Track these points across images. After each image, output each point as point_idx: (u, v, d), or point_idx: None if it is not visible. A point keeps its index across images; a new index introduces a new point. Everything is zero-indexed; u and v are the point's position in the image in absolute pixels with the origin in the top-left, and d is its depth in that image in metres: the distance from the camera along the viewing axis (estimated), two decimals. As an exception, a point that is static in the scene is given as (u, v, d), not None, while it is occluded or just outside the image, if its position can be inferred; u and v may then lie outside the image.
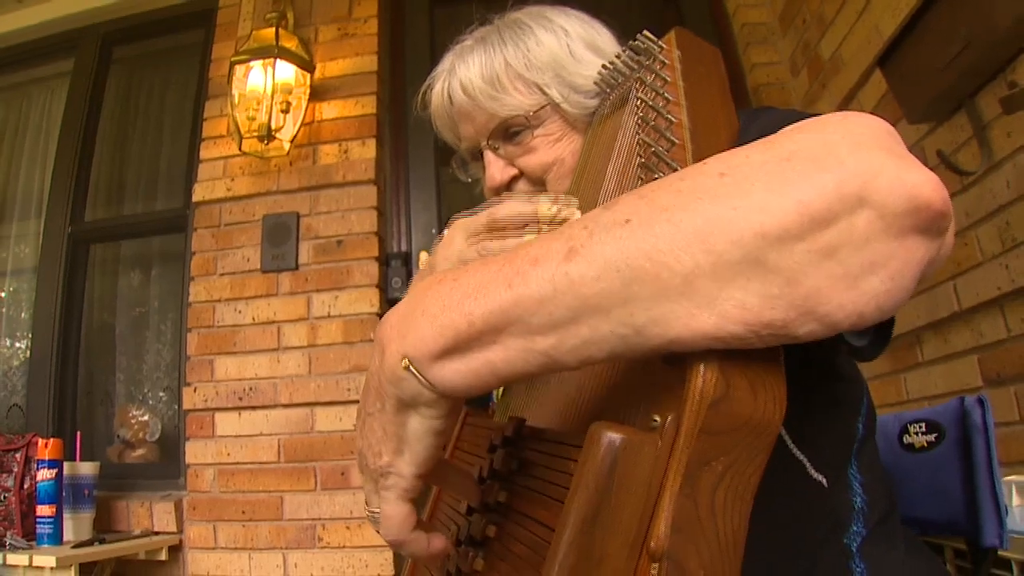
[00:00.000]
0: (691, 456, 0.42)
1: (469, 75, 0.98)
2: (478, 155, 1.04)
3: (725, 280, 0.41)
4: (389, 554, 2.36)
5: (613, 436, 0.42)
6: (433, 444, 0.53)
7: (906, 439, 1.35)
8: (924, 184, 0.42)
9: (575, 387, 0.65)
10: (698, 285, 0.41)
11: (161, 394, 2.97)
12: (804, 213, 0.41)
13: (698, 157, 0.63)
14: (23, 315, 3.28)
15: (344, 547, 2.40)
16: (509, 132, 0.99)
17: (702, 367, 0.43)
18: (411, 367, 0.49)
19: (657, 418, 0.44)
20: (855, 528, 0.73)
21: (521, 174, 1.00)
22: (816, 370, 0.75)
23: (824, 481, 0.73)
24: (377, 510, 0.57)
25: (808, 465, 0.73)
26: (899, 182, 0.42)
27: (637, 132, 0.74)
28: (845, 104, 2.29)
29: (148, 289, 3.16)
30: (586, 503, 0.42)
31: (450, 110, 1.03)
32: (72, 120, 3.19)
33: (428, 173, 2.78)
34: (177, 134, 3.13)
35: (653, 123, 0.70)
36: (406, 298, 0.53)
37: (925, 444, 1.31)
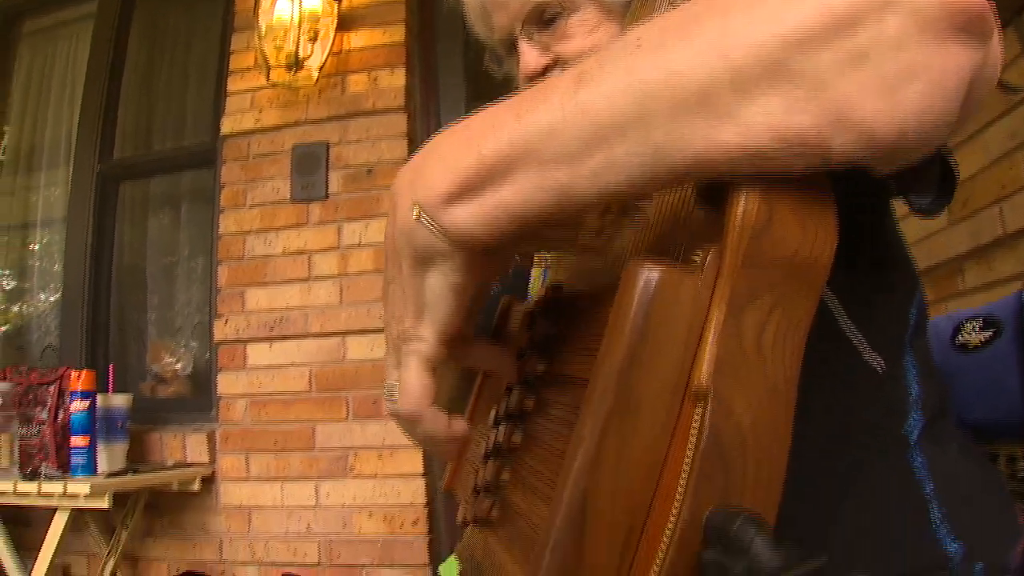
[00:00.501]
0: (734, 290, 0.39)
1: None
2: (512, 47, 1.00)
3: (745, 91, 0.38)
4: (421, 482, 2.36)
5: (650, 272, 0.39)
6: (455, 304, 0.50)
7: (960, 338, 1.30)
8: None
9: (612, 258, 0.60)
10: (716, 97, 0.38)
11: (193, 330, 2.98)
12: (826, 14, 0.37)
13: None
14: (56, 267, 3.28)
15: (376, 476, 2.40)
16: (544, 18, 0.94)
17: (743, 194, 0.39)
18: (422, 215, 0.46)
19: (698, 253, 0.41)
20: (913, 418, 0.69)
21: (556, 62, 0.96)
22: (868, 247, 0.71)
23: (879, 366, 0.69)
24: (395, 382, 0.53)
25: (864, 347, 0.69)
26: None
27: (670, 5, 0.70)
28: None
29: (178, 226, 3.15)
30: (623, 345, 0.39)
31: None
32: (98, 59, 3.18)
33: (458, 100, 2.74)
34: (204, 69, 3.10)
35: None
36: (417, 153, 0.50)
37: (980, 342, 1.26)
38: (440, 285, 0.48)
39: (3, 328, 3.39)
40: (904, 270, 0.77)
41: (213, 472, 2.57)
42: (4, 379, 2.45)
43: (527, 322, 0.65)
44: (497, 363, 0.61)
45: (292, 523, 2.46)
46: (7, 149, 3.47)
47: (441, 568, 0.90)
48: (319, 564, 2.42)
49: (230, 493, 2.53)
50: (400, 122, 2.58)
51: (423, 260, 0.48)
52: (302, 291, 2.55)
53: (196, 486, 2.51)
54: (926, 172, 0.58)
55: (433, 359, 0.51)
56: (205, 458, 2.57)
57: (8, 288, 3.44)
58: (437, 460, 2.43)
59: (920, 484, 0.67)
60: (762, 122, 0.38)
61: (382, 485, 2.38)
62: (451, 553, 0.90)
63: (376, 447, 2.40)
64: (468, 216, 0.45)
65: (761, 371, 0.39)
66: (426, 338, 0.50)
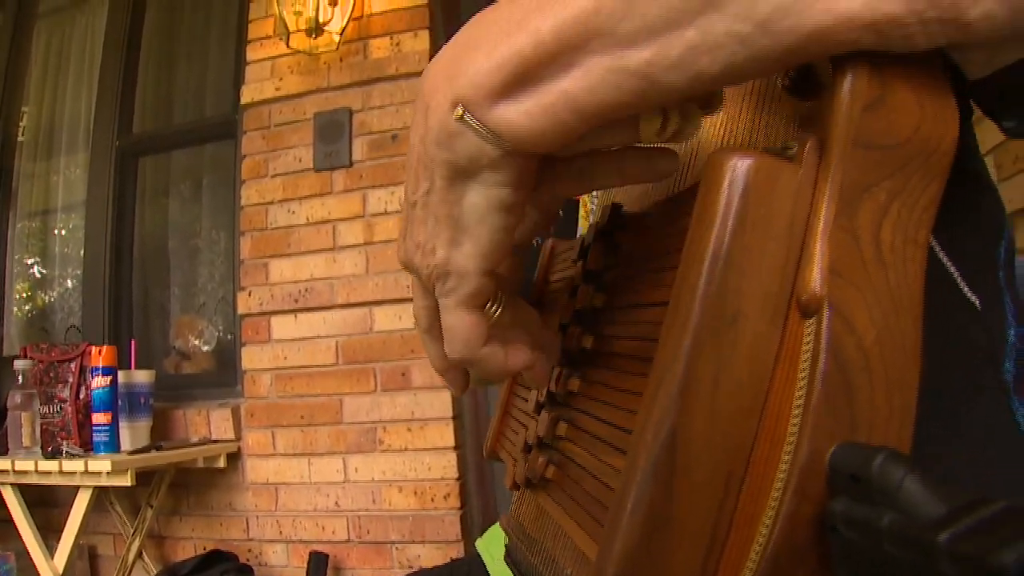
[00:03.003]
0: (845, 177, 0.32)
1: None
2: None
3: None
4: (452, 456, 2.30)
5: (739, 160, 0.32)
6: (500, 225, 0.41)
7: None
8: None
9: (683, 162, 0.51)
10: None
11: (216, 305, 2.94)
12: None
13: None
14: (80, 252, 3.25)
15: (406, 450, 2.34)
16: None
17: (851, 66, 0.32)
18: (467, 115, 0.37)
19: (793, 143, 0.33)
20: (1007, 365, 0.62)
21: None
22: (956, 175, 0.64)
23: (978, 302, 0.62)
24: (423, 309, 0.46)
25: (960, 280, 0.62)
26: None
27: None
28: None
29: (200, 200, 3.12)
30: (712, 244, 0.31)
31: None
32: (115, 34, 3.15)
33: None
34: (222, 40, 3.06)
35: None
36: (453, 38, 0.40)
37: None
38: (484, 202, 0.40)
39: (27, 308, 3.37)
40: (991, 197, 0.70)
41: (239, 448, 2.53)
42: (25, 357, 2.41)
43: (579, 254, 0.56)
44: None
45: (320, 499, 2.42)
46: (26, 130, 3.43)
47: (479, 544, 0.82)
48: (348, 541, 2.38)
49: (256, 469, 2.49)
50: (425, 87, 2.51)
51: (464, 172, 0.39)
52: (327, 261, 2.50)
53: (222, 463, 2.47)
54: (1017, 84, 0.51)
55: (479, 295, 0.43)
56: (230, 434, 2.53)
57: (36, 274, 3.42)
58: (472, 432, 2.37)
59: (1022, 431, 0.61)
60: None
61: (412, 459, 2.33)
62: (489, 527, 0.82)
63: (405, 420, 2.35)
64: (523, 115, 0.36)
65: (883, 276, 0.32)
66: (467, 271, 0.41)
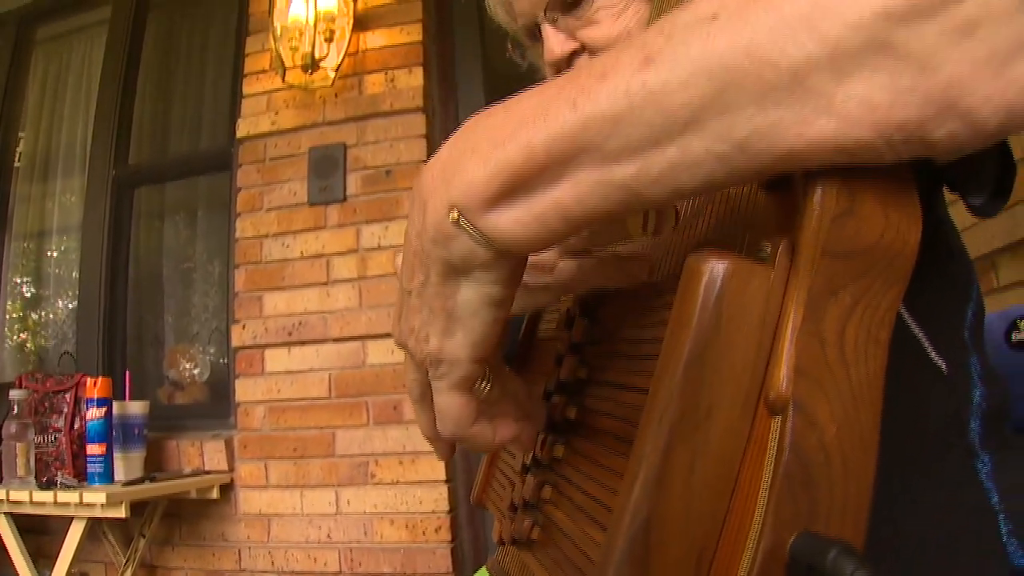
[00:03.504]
0: (813, 284, 0.34)
1: None
2: (535, 35, 0.96)
3: (845, 73, 0.32)
4: (444, 489, 2.32)
5: (716, 264, 0.34)
6: (491, 319, 0.43)
7: (1015, 336, 1.25)
8: None
9: (663, 249, 0.54)
10: (812, 82, 0.33)
11: (210, 335, 2.96)
12: None
13: None
14: (74, 275, 3.27)
15: (398, 483, 2.36)
16: (568, 1, 0.90)
17: (820, 178, 0.35)
18: (461, 219, 0.39)
19: (767, 245, 0.36)
20: (973, 425, 0.64)
21: (583, 49, 0.92)
22: (928, 241, 0.66)
23: (944, 367, 0.64)
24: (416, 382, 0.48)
25: (928, 346, 0.64)
26: None
27: None
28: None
29: (195, 232, 3.14)
30: (688, 345, 0.34)
31: None
32: (112, 65, 3.17)
33: (477, 100, 2.70)
34: (219, 74, 3.09)
35: None
36: (449, 141, 0.43)
37: (1039, 340, 1.21)
38: (476, 297, 0.42)
39: (24, 339, 3.38)
40: (962, 263, 0.73)
41: (232, 479, 2.54)
42: (20, 387, 2.43)
43: (564, 323, 0.60)
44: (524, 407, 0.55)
45: (312, 531, 2.43)
46: (23, 156, 3.46)
47: None
48: (340, 573, 2.39)
49: (249, 501, 2.50)
50: (418, 123, 2.55)
51: (458, 269, 0.41)
52: (321, 295, 2.52)
53: (215, 494, 2.49)
54: (983, 165, 0.54)
55: (469, 380, 0.45)
56: (224, 465, 2.55)
57: (27, 295, 3.44)
58: (462, 467, 2.39)
59: (988, 494, 0.63)
60: (864, 112, 0.33)
61: (404, 492, 2.35)
62: (478, 568, 0.85)
63: (397, 453, 2.37)
64: (515, 221, 0.39)
65: (845, 375, 0.34)
66: (459, 359, 0.44)
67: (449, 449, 0.54)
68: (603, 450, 0.47)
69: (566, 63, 0.92)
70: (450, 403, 0.46)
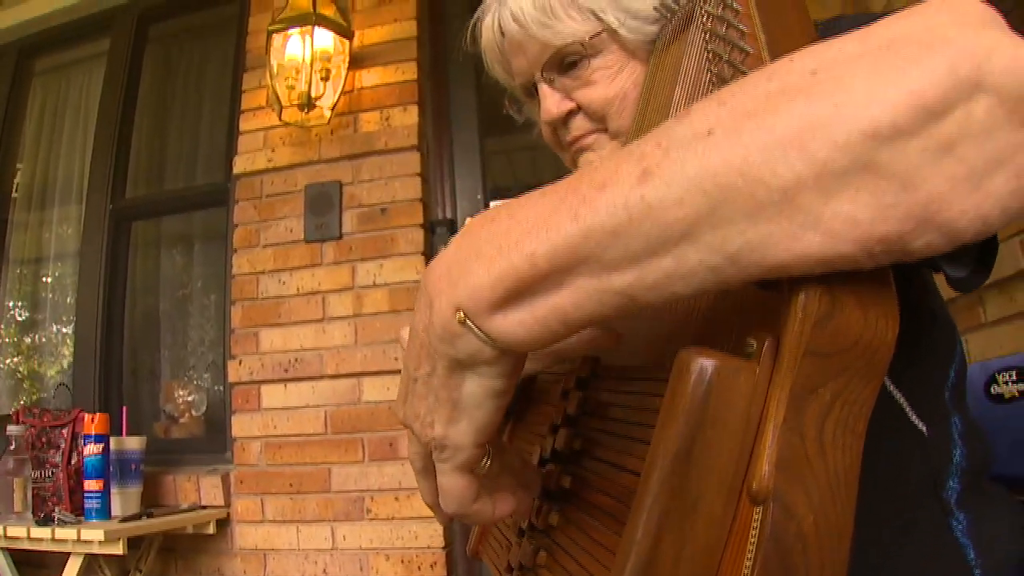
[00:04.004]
0: (795, 382, 0.37)
1: (520, 4, 0.92)
2: (532, 91, 0.98)
3: (831, 192, 0.35)
4: (439, 525, 2.33)
5: (705, 362, 0.37)
6: (494, 408, 0.46)
7: (994, 389, 1.28)
8: None
9: (654, 321, 0.58)
10: (800, 200, 0.35)
11: (206, 369, 2.98)
12: (916, 104, 0.34)
13: None
14: (68, 300, 3.30)
15: (393, 519, 2.37)
16: (565, 63, 0.93)
17: (804, 283, 0.37)
18: (467, 321, 0.42)
19: (753, 342, 0.39)
20: (951, 483, 0.68)
21: (579, 109, 0.95)
22: (910, 309, 0.69)
23: (925, 430, 0.68)
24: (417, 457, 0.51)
25: (909, 410, 0.68)
26: (1017, 60, 0.35)
27: (705, 47, 0.68)
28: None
29: (191, 265, 3.16)
30: (677, 439, 0.37)
31: (501, 43, 0.97)
32: (110, 99, 3.19)
33: (471, 139, 2.73)
34: (216, 109, 3.12)
35: (723, 34, 0.64)
36: (454, 241, 0.46)
37: (1016, 394, 1.24)
38: (480, 390, 0.45)
39: (17, 362, 3.39)
40: (944, 327, 0.76)
41: (228, 514, 2.55)
42: (17, 422, 2.44)
43: (559, 392, 0.63)
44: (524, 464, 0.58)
45: (308, 566, 2.43)
46: (19, 186, 3.47)
47: None
48: (336, 608, 2.40)
49: (245, 536, 2.51)
50: (413, 161, 2.57)
51: (463, 364, 0.44)
52: (316, 332, 2.54)
53: (211, 529, 2.49)
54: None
55: (471, 463, 0.48)
56: (220, 500, 2.55)
57: (21, 319, 3.45)
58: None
59: (963, 551, 0.66)
60: (848, 229, 0.35)
61: (399, 528, 2.36)
62: None
63: (393, 489, 2.38)
64: (518, 324, 0.41)
65: (823, 467, 0.37)
66: (462, 446, 0.47)
67: (449, 517, 0.57)
68: (597, 525, 0.50)
69: (562, 123, 0.95)
70: (454, 484, 0.48)
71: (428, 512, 2.23)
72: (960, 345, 0.76)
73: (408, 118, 2.60)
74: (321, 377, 2.51)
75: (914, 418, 0.68)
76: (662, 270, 0.38)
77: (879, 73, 0.35)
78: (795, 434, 0.36)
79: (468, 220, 0.48)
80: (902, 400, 0.68)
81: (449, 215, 2.66)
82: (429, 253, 2.53)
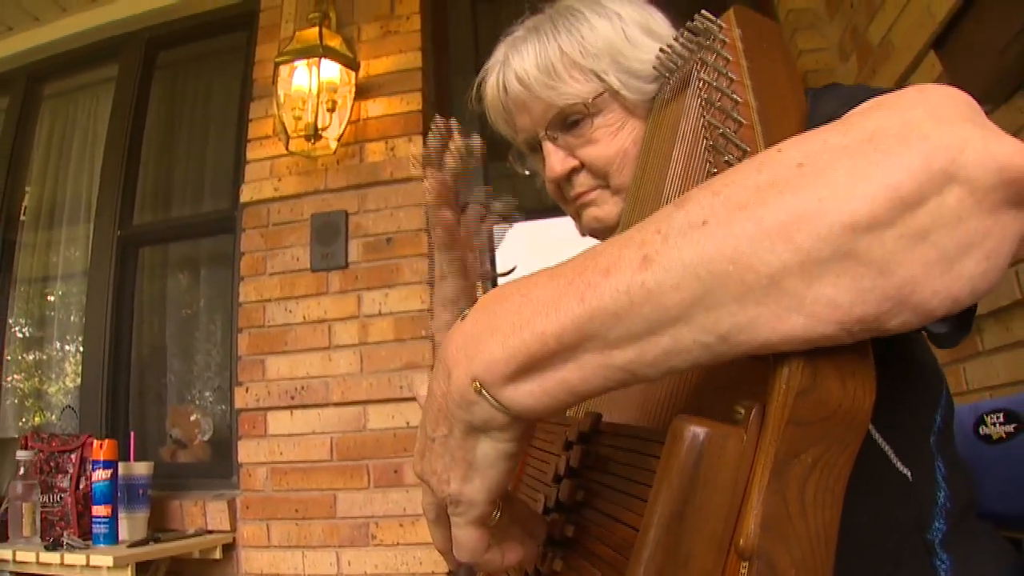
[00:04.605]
0: (779, 449, 0.41)
1: (524, 65, 0.96)
2: (536, 147, 1.02)
3: (814, 277, 0.39)
4: (443, 551, 2.36)
5: (697, 430, 0.41)
6: (505, 469, 0.50)
7: (982, 430, 1.32)
8: (1014, 154, 0.39)
9: (651, 385, 0.63)
10: (786, 286, 0.39)
11: (211, 394, 3.00)
12: (893, 197, 0.38)
13: (768, 137, 0.62)
14: (72, 318, 3.33)
15: (398, 544, 2.40)
16: (568, 121, 0.97)
17: (787, 357, 0.41)
18: (483, 390, 0.46)
19: (741, 410, 0.42)
20: (937, 524, 0.71)
21: (582, 166, 0.98)
22: (896, 360, 0.72)
23: (909, 474, 0.71)
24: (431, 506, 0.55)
25: (893, 456, 0.71)
26: (987, 154, 0.39)
27: (702, 114, 0.72)
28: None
29: (197, 290, 3.19)
30: (671, 500, 0.41)
31: (505, 101, 1.02)
32: (118, 125, 3.24)
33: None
34: (222, 136, 3.15)
35: (718, 104, 0.68)
36: (470, 315, 0.50)
37: (1004, 435, 1.27)
38: (493, 452, 0.49)
39: (19, 379, 3.41)
40: (930, 374, 0.79)
41: (234, 539, 2.57)
42: (26, 447, 2.46)
43: (562, 443, 0.67)
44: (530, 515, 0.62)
45: (313, 591, 2.46)
46: (27, 209, 3.51)
47: None
48: (341, 633, 2.42)
49: (251, 561, 2.53)
50: (418, 191, 2.60)
51: (478, 429, 0.48)
52: (322, 359, 2.57)
53: (217, 554, 2.51)
54: None
55: (484, 517, 0.52)
56: (226, 525, 2.57)
57: (26, 338, 3.48)
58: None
59: None
60: (829, 312, 0.39)
61: (404, 553, 2.38)
62: None
63: (397, 515, 2.41)
64: (529, 394, 0.45)
65: (804, 525, 0.41)
66: (476, 502, 0.51)
67: (460, 565, 0.60)
68: (597, 574, 0.54)
69: (566, 179, 0.99)
70: (467, 536, 0.52)
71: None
72: (946, 391, 0.79)
73: (413, 149, 2.64)
74: (327, 404, 2.54)
75: (899, 464, 0.71)
76: (660, 348, 0.42)
77: (859, 168, 0.39)
78: (778, 496, 0.40)
79: (482, 296, 0.52)
80: (887, 448, 0.71)
81: (453, 245, 2.66)
82: (433, 282, 2.55)
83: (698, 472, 0.41)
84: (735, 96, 0.66)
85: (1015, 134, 1.74)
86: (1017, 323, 1.85)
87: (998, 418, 1.28)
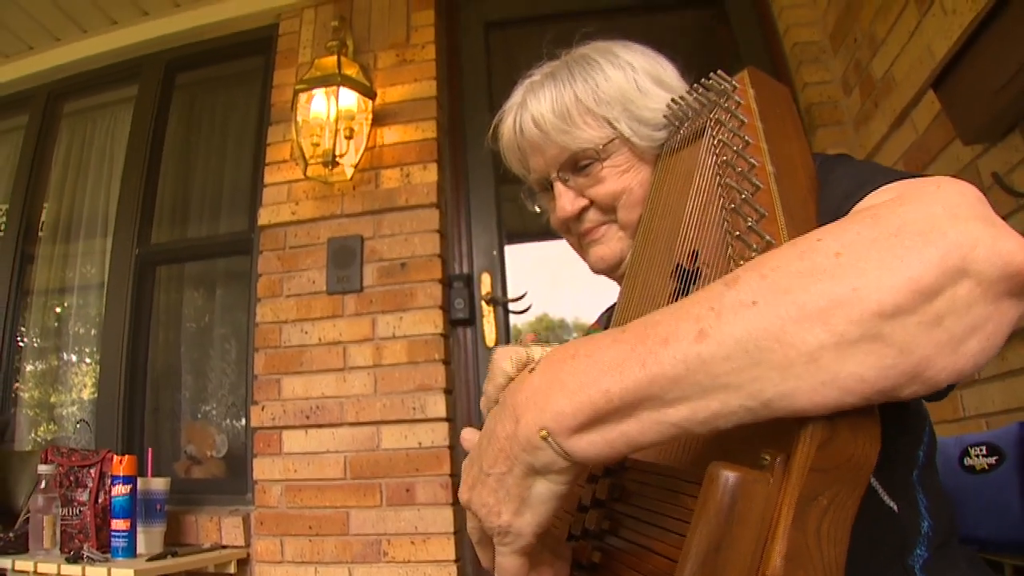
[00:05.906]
0: (802, 492, 0.47)
1: (540, 109, 1.01)
2: (547, 186, 1.07)
3: (846, 356, 0.46)
4: (453, 569, 2.40)
5: (731, 475, 0.47)
6: (556, 506, 0.57)
7: (967, 461, 1.39)
8: (1017, 251, 0.47)
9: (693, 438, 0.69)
10: (823, 362, 0.46)
11: (227, 411, 3.04)
12: (915, 289, 0.45)
13: (783, 201, 0.68)
14: (81, 330, 3.38)
15: (409, 561, 2.44)
16: (579, 165, 1.02)
17: (811, 419, 0.48)
18: (550, 439, 0.53)
19: (767, 457, 0.49)
20: (919, 551, 0.76)
21: (591, 204, 1.04)
22: (887, 406, 0.77)
23: (895, 507, 0.76)
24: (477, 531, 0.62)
25: (882, 491, 0.76)
26: (995, 251, 0.46)
27: (718, 174, 0.78)
28: (898, 124, 2.31)
29: (213, 308, 3.24)
30: (708, 536, 0.47)
31: (521, 142, 1.06)
32: (137, 145, 3.29)
33: (488, 195, 2.82)
34: (239, 158, 3.21)
35: (736, 167, 0.74)
36: (538, 370, 0.57)
37: (986, 467, 1.34)
38: (548, 492, 0.56)
39: (36, 406, 3.46)
40: (914, 416, 0.84)
41: (248, 555, 2.61)
42: (46, 461, 2.51)
43: (587, 475, 0.72)
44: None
45: (325, 606, 2.50)
46: (45, 225, 3.56)
47: None
48: (352, 647, 2.47)
49: (265, 575, 2.58)
50: (432, 218, 2.67)
51: (537, 471, 0.55)
52: (337, 380, 2.62)
53: (232, 568, 2.56)
54: None
55: (529, 548, 0.59)
56: (240, 540, 2.61)
57: (42, 349, 3.52)
58: (469, 547, 2.47)
59: None
60: (856, 385, 0.46)
61: (415, 570, 2.42)
62: None
63: (409, 533, 2.45)
64: (590, 444, 0.52)
65: (819, 556, 0.47)
66: (524, 534, 0.58)
67: None
68: None
69: (575, 218, 1.04)
70: (512, 564, 0.60)
71: (443, 555, 2.31)
72: (928, 428, 0.85)
73: (428, 176, 2.70)
74: (341, 424, 2.58)
75: (886, 498, 0.76)
76: (710, 410, 0.49)
77: (887, 261, 0.47)
78: (800, 532, 0.47)
79: (546, 353, 0.59)
80: (875, 483, 0.76)
81: (466, 270, 2.74)
82: (447, 307, 2.62)
83: (733, 511, 0.47)
84: (752, 160, 0.72)
85: (1010, 171, 1.79)
86: (1012, 353, 1.89)
87: (981, 450, 1.35)
